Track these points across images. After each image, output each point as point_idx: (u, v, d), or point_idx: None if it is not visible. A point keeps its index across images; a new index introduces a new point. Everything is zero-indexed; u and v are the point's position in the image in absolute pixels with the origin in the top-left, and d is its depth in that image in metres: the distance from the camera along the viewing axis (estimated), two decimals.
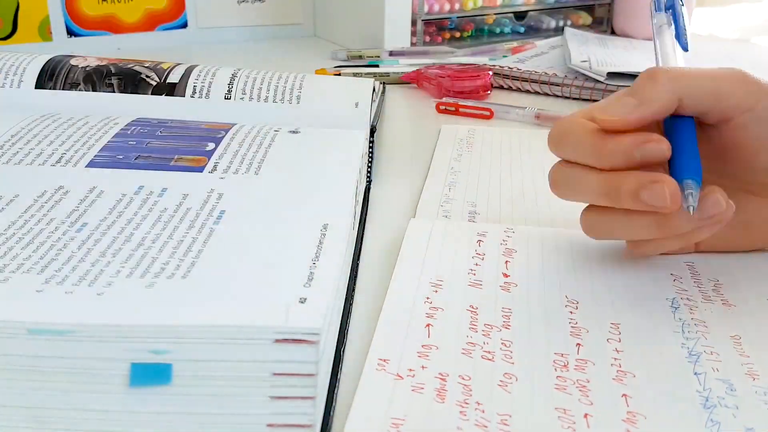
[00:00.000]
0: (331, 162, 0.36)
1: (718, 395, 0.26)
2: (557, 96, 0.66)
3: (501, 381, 0.26)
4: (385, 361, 0.27)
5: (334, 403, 0.25)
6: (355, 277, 0.33)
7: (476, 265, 0.34)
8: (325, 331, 0.24)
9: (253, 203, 0.32)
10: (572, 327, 0.30)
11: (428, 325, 0.29)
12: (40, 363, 0.22)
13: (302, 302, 0.24)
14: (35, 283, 0.25)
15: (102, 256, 0.27)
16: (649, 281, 0.33)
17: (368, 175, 0.44)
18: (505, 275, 0.33)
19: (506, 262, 0.34)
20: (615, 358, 0.28)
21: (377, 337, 0.28)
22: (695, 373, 0.28)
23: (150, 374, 0.22)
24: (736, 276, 0.34)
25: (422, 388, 0.26)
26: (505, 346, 0.28)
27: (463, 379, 0.26)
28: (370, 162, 0.44)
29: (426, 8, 0.80)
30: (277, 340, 0.23)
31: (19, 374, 0.23)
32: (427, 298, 0.31)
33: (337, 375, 0.26)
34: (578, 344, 0.29)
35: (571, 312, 0.31)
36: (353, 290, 0.32)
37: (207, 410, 0.23)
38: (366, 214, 0.39)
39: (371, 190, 0.43)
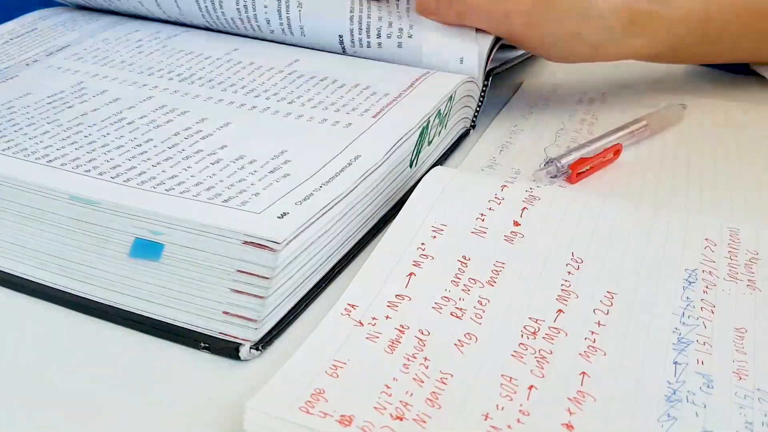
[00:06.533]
0: (410, 97, 0.38)
1: (688, 390, 0.24)
2: None
3: (459, 340, 0.26)
4: (352, 306, 0.28)
5: (286, 325, 0.28)
6: (384, 223, 0.34)
7: (489, 209, 0.32)
8: (297, 247, 0.27)
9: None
10: (562, 290, 0.29)
11: (411, 274, 0.29)
12: (70, 223, 0.29)
13: (282, 216, 0.28)
14: (81, 165, 0.31)
15: (137, 147, 0.33)
16: (677, 246, 0.30)
17: (473, 120, 0.44)
18: (516, 223, 0.32)
19: (524, 209, 0.33)
20: (592, 332, 0.27)
21: (354, 282, 0.29)
22: (674, 362, 0.25)
23: (145, 249, 0.28)
24: None
25: (377, 338, 0.26)
26: (481, 304, 0.28)
27: (421, 333, 0.27)
28: (479, 107, 0.43)
29: None
30: (245, 242, 0.26)
31: (52, 228, 0.29)
32: (422, 243, 0.31)
33: (305, 305, 0.29)
34: (559, 311, 0.28)
35: (569, 272, 0.29)
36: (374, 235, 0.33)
37: (180, 289, 0.27)
38: (446, 159, 0.40)
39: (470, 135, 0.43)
